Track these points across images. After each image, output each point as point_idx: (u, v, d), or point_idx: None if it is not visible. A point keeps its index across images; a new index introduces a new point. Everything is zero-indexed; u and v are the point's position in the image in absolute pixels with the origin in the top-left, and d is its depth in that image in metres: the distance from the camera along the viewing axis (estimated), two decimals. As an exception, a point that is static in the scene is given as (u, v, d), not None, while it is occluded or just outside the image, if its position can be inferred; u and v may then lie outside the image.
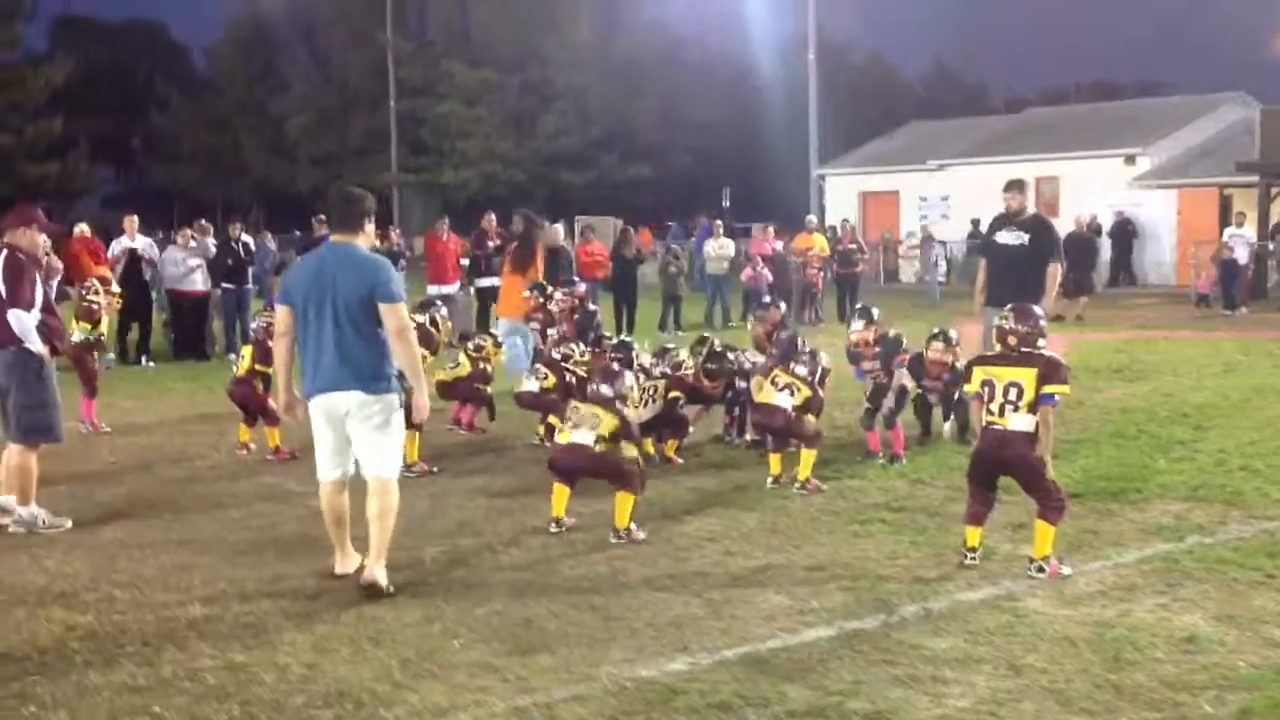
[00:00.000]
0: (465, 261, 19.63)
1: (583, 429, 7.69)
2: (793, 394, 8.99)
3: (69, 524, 7.86)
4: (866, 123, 47.71)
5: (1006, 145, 37.04)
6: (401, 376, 6.65)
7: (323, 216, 22.04)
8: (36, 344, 7.92)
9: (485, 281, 19.12)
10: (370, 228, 6.75)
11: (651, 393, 9.68)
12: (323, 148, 59.10)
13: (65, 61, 60.27)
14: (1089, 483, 8.72)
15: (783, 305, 10.87)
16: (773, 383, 9.13)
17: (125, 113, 68.09)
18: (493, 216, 20.36)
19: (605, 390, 7.84)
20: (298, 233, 26.92)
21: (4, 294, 7.87)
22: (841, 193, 39.45)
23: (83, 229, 17.91)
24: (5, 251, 8.06)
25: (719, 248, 23.44)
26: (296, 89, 59.45)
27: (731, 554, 7.19)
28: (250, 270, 18.87)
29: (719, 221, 25.91)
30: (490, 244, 19.47)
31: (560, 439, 7.93)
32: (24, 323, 7.87)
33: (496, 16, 51.60)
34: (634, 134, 51.25)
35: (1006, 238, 11.80)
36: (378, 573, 6.47)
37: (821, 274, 23.36)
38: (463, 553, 7.31)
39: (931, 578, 6.63)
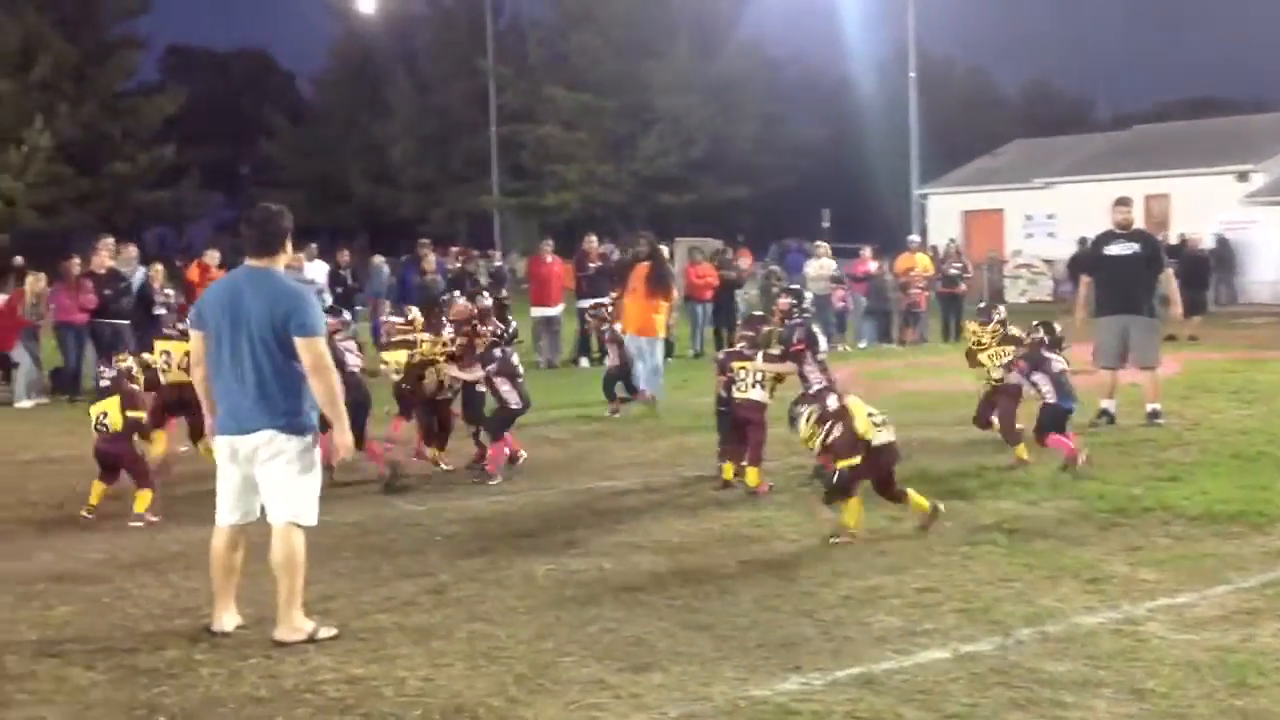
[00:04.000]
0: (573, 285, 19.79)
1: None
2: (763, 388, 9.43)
3: None
4: (968, 141, 47.23)
5: (1114, 162, 36.44)
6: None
7: (426, 240, 22.50)
8: None
9: (587, 302, 19.24)
10: (289, 249, 6.30)
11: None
12: (425, 173, 59.96)
13: (177, 91, 61.97)
14: (1209, 506, 8.52)
15: (793, 300, 10.53)
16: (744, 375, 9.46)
17: (234, 140, 69.72)
18: (594, 238, 20.52)
19: None
20: (403, 257, 27.30)
21: None
22: (943, 212, 39.11)
23: (211, 255, 18.48)
24: None
25: (820, 268, 23.34)
26: (399, 116, 60.40)
27: (840, 574, 7.14)
28: (355, 296, 19.22)
29: (820, 243, 25.78)
30: (591, 265, 19.61)
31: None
32: None
33: (595, 41, 51.98)
34: (732, 155, 51.28)
35: (1116, 249, 11.86)
36: (287, 630, 6.00)
37: (925, 294, 23.15)
38: (572, 570, 7.36)
39: (1047, 601, 6.53)
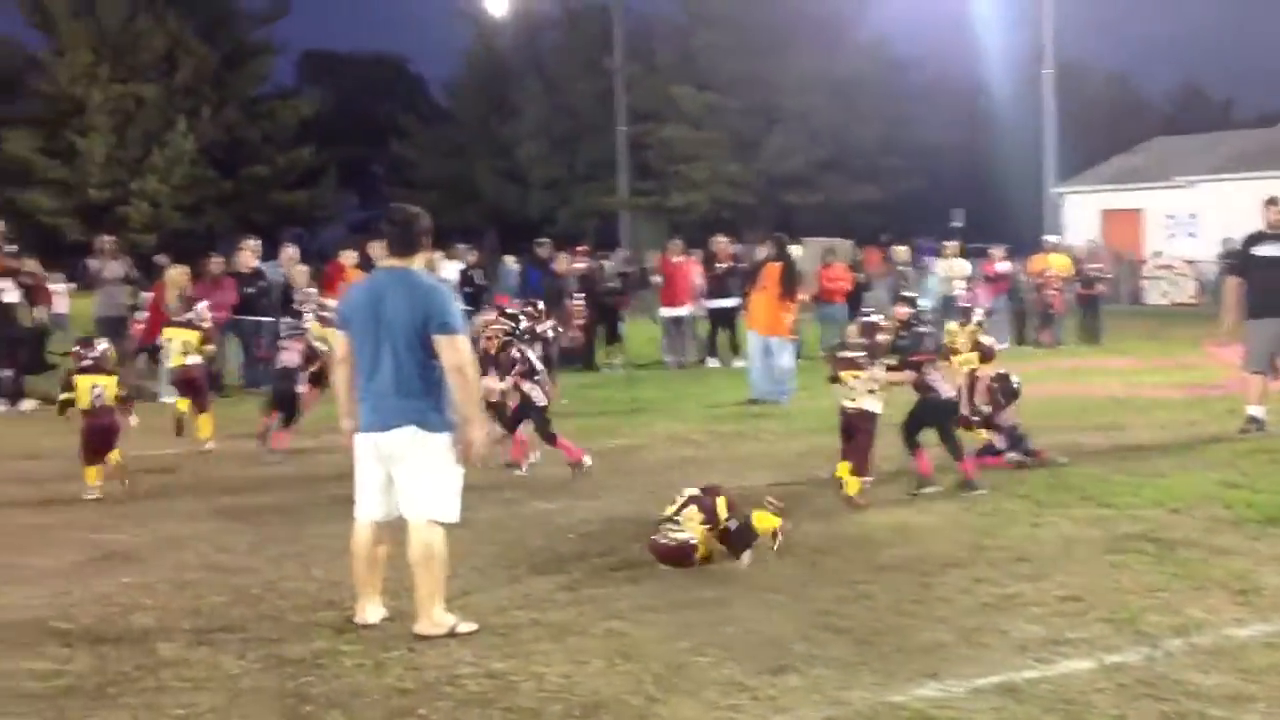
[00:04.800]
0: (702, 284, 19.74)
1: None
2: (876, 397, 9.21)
3: None
4: (1106, 141, 46.17)
5: (1259, 161, 35.30)
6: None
7: (544, 240, 22.68)
8: None
9: (716, 302, 19.25)
10: (429, 249, 6.39)
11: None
12: (553, 173, 60.47)
13: (313, 94, 63.47)
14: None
15: (910, 308, 10.26)
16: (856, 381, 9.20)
17: (368, 142, 71.04)
18: (723, 238, 20.49)
19: None
20: (522, 255, 27.54)
21: None
22: (1081, 211, 38.27)
23: (347, 256, 18.88)
24: None
25: (950, 268, 22.99)
26: (528, 117, 60.99)
27: (980, 581, 7.03)
28: (485, 296, 19.44)
29: (949, 242, 25.36)
30: (720, 265, 19.59)
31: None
32: None
33: (722, 40, 51.87)
34: (859, 155, 50.79)
35: (1267, 250, 11.58)
36: (426, 625, 6.12)
37: (1061, 295, 22.65)
38: (708, 570, 7.36)
39: (1195, 612, 6.36)
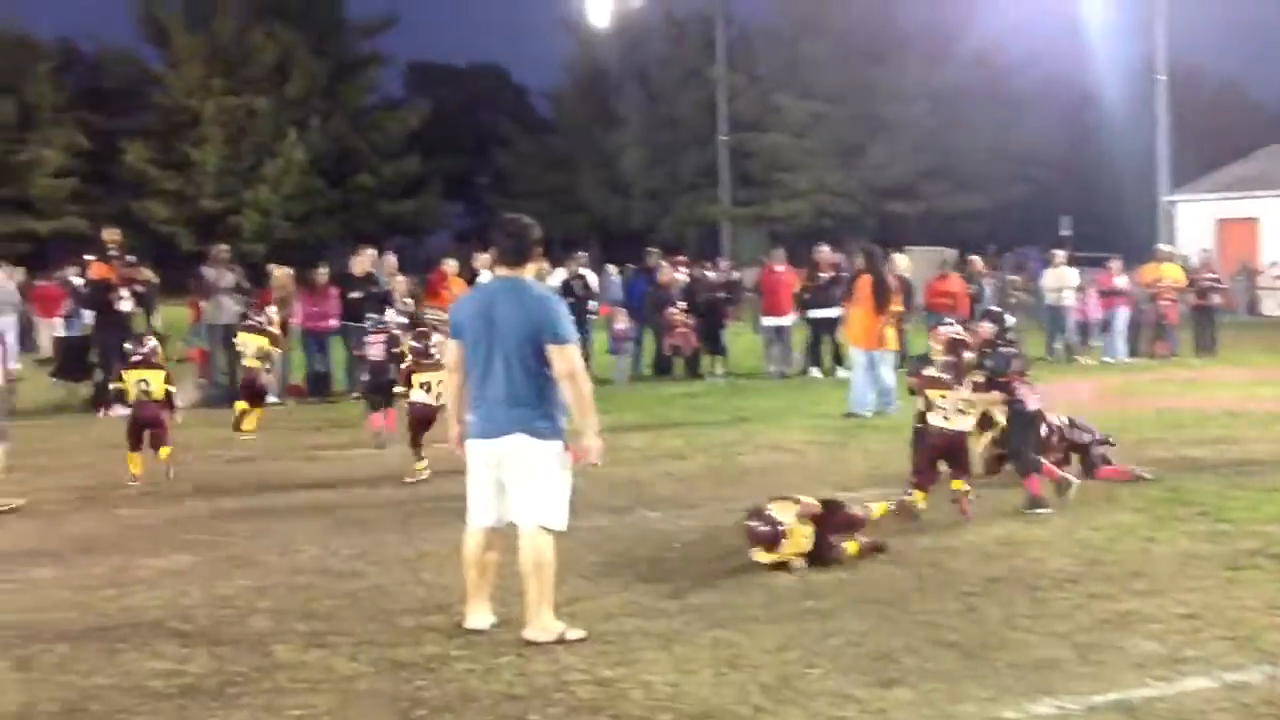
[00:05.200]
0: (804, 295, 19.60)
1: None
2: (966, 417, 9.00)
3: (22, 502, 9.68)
4: (1219, 146, 45.04)
5: (1383, 167, 34.23)
6: None
7: (653, 250, 22.77)
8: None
9: (819, 313, 19.11)
10: (540, 259, 6.43)
11: None
12: (655, 183, 60.58)
13: (419, 105, 64.35)
14: None
15: (994, 324, 9.95)
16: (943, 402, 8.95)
17: (472, 152, 71.83)
18: (826, 248, 20.37)
19: None
20: (630, 265, 27.65)
21: None
22: (1194, 220, 37.35)
23: (449, 264, 19.19)
24: None
25: (1058, 278, 22.60)
26: (630, 126, 61.19)
27: (1094, 596, 6.91)
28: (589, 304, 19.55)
29: (1057, 251, 24.94)
30: (823, 275, 19.47)
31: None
32: None
33: (824, 49, 51.65)
34: (963, 163, 50.18)
35: None
36: (536, 631, 6.16)
37: (1175, 305, 22.14)
38: (813, 580, 7.32)
39: (1320, 630, 6.19)
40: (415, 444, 10.92)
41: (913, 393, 9.48)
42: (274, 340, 14.69)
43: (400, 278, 17.88)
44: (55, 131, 55.28)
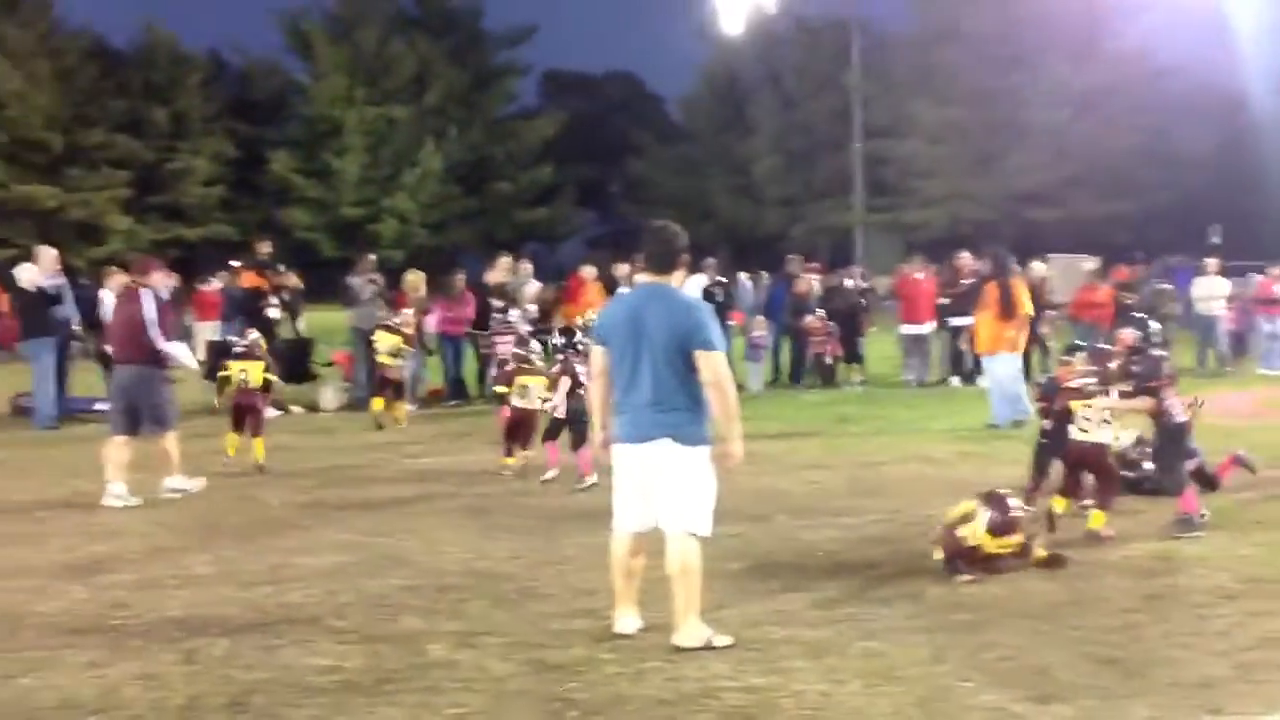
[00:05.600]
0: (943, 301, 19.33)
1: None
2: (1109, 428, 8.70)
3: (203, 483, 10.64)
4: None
5: None
6: None
7: (793, 256, 22.67)
8: (190, 361, 11.50)
9: (959, 320, 18.83)
10: (685, 267, 6.41)
11: None
12: (787, 190, 60.34)
13: (554, 114, 65.07)
14: None
15: (1137, 330, 9.52)
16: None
17: (606, 160, 72.40)
18: (967, 255, 20.07)
19: None
20: (764, 273, 27.53)
21: (150, 324, 10.33)
22: (1350, 228, 35.98)
23: (588, 271, 19.42)
24: (147, 292, 10.52)
25: (1209, 287, 21.91)
26: (764, 133, 61.05)
27: (1255, 614, 6.69)
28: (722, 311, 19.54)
29: (1210, 260, 24.19)
30: (964, 282, 19.18)
31: None
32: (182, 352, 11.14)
33: (962, 55, 50.90)
34: (1109, 169, 48.92)
35: None
36: (685, 636, 6.16)
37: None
38: (961, 592, 7.21)
39: None
40: (508, 441, 11.37)
41: (1043, 413, 9.30)
42: (407, 340, 15.66)
43: (529, 285, 18.14)
44: (204, 141, 57.25)
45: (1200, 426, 13.33)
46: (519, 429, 11.36)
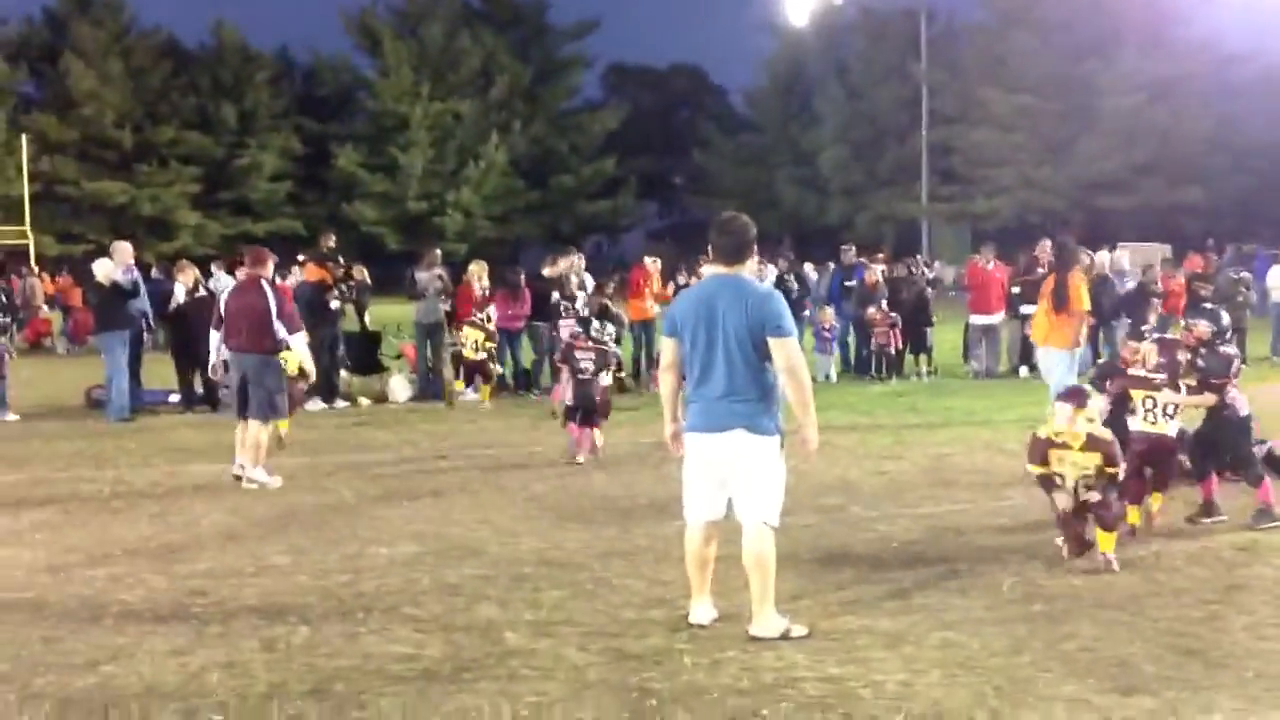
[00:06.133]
0: (1015, 290, 19.10)
1: None
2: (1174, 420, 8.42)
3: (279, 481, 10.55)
4: None
5: None
6: None
7: (847, 246, 22.57)
8: (309, 359, 11.62)
9: (1031, 309, 18.59)
10: (754, 259, 6.52)
11: None
12: (852, 179, 59.92)
13: (618, 107, 65.12)
14: None
15: (1210, 323, 9.21)
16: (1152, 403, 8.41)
17: (668, 152, 72.39)
18: (1047, 242, 19.85)
19: None
20: (831, 264, 27.37)
21: (271, 315, 10.66)
22: None
23: (653, 261, 19.44)
24: (266, 283, 10.85)
25: (1288, 275, 21.51)
26: (829, 123, 60.65)
27: (1343, 606, 6.58)
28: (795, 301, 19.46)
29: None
30: (1040, 270, 18.95)
31: None
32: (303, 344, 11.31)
33: (1033, 42, 50.31)
34: (1181, 156, 48.15)
35: None
36: (761, 626, 6.17)
37: None
38: (1039, 583, 7.14)
39: None
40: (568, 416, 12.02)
41: (1102, 391, 8.97)
42: (489, 335, 16.58)
43: (581, 279, 18.19)
44: (272, 137, 57.89)
45: (1273, 416, 13.21)
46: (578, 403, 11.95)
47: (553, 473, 11.21)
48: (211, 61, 58.83)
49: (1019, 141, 50.89)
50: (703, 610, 6.44)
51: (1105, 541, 7.50)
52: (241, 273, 12.21)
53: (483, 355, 16.49)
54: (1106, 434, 7.64)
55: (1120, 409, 8.79)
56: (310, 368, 11.94)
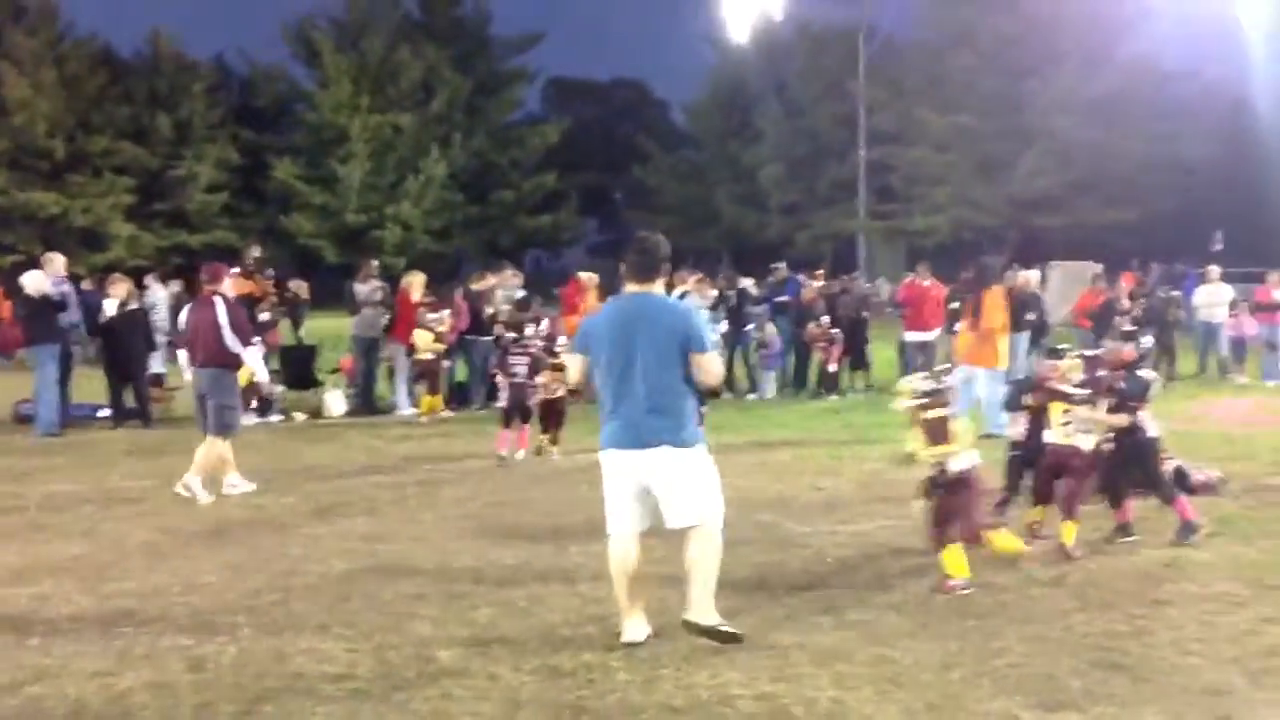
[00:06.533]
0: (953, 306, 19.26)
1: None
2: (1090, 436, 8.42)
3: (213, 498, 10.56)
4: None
5: None
6: None
7: (780, 264, 22.75)
8: (262, 372, 11.68)
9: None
10: (667, 275, 6.74)
11: None
12: (791, 196, 60.26)
13: (559, 121, 65.10)
14: None
15: (1135, 346, 9.33)
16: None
17: (610, 167, 72.48)
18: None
19: None
20: (769, 280, 27.47)
21: (225, 330, 10.80)
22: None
23: (590, 277, 19.45)
24: (220, 297, 11.00)
25: (1211, 294, 21.87)
26: (769, 140, 61.00)
27: (1267, 620, 6.70)
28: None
29: (1212, 266, 24.16)
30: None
31: None
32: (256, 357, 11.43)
33: (974, 61, 50.80)
34: (1115, 175, 48.82)
35: None
36: (696, 614, 6.31)
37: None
38: (970, 599, 7.20)
39: None
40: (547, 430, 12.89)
41: (1019, 408, 8.99)
42: (439, 337, 16.84)
43: (500, 293, 18.16)
44: (208, 148, 57.20)
45: (1201, 434, 13.45)
46: (548, 414, 12.92)
47: (489, 488, 11.18)
48: (147, 71, 58.08)
49: (956, 160, 51.40)
50: (636, 628, 6.44)
51: (1067, 532, 7.86)
52: (121, 289, 13.51)
53: (430, 355, 16.62)
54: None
55: (1037, 422, 8.84)
56: (263, 379, 11.94)
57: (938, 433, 7.59)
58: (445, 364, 17.27)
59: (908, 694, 5.64)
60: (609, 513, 6.49)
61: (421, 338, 16.75)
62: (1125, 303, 19.32)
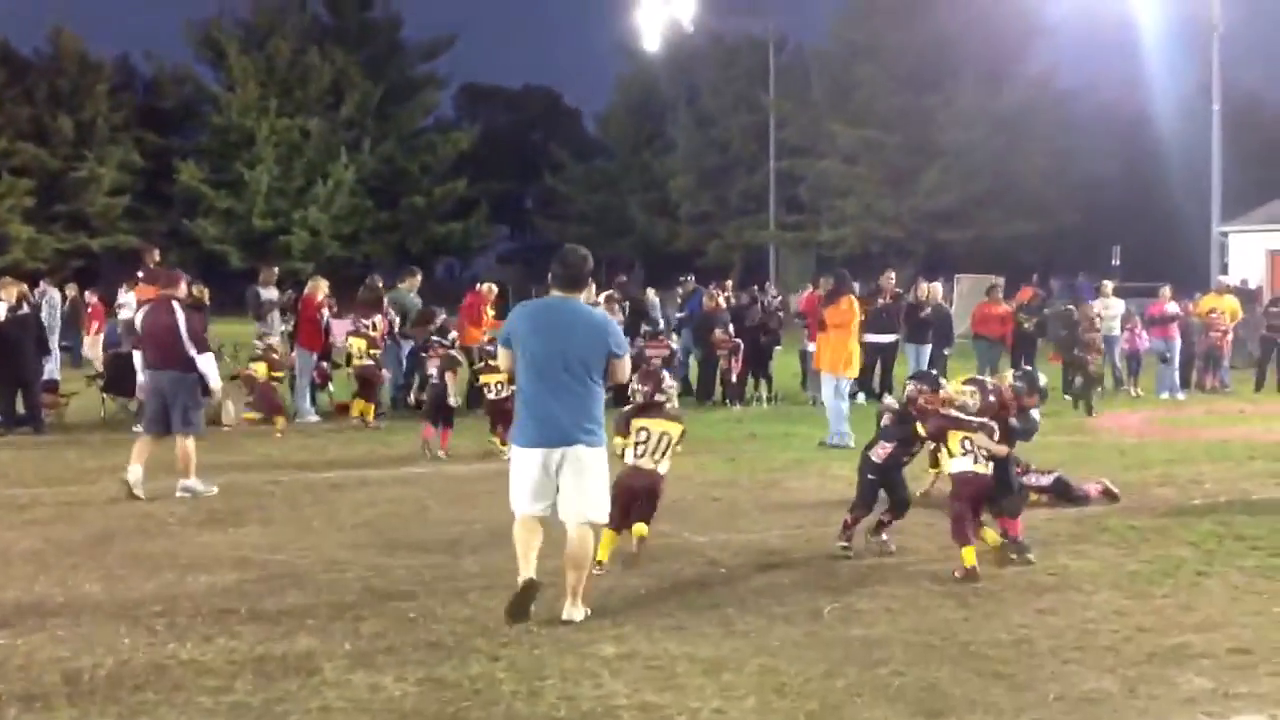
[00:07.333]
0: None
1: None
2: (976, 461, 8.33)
3: (215, 489, 11.06)
4: (1277, 179, 44.43)
5: None
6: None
7: (689, 277, 22.97)
8: (215, 379, 11.59)
9: (874, 338, 18.87)
10: (592, 286, 7.45)
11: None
12: (702, 206, 60.67)
13: (470, 128, 64.83)
14: None
15: (1030, 387, 9.31)
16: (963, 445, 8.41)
17: (521, 174, 72.27)
18: (893, 275, 20.46)
19: None
20: (679, 290, 27.61)
21: (182, 335, 11.00)
22: (1246, 251, 36.98)
23: (490, 287, 19.43)
24: (176, 303, 11.21)
25: (1106, 308, 22.33)
26: (680, 150, 61.35)
27: (1144, 630, 6.84)
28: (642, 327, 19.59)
29: (1106, 281, 24.70)
30: (881, 301, 19.41)
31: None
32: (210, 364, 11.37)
33: (879, 75, 51.47)
34: (1017, 189, 49.77)
35: None
36: (575, 613, 6.89)
37: (1227, 338, 21.85)
38: (858, 609, 7.28)
39: (1377, 670, 6.08)
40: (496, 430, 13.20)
41: (924, 438, 8.82)
42: (372, 343, 16.91)
43: (413, 297, 18.25)
44: (111, 150, 56.17)
45: (1095, 445, 13.74)
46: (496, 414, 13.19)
47: (387, 497, 11.09)
48: (49, 70, 56.94)
49: (863, 173, 52.05)
50: (530, 573, 6.89)
51: (968, 555, 7.98)
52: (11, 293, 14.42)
53: (368, 361, 16.67)
54: None
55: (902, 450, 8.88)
56: (216, 385, 11.82)
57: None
58: (385, 374, 17.28)
59: (790, 704, 5.68)
60: (514, 493, 6.95)
61: (356, 345, 16.93)
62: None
